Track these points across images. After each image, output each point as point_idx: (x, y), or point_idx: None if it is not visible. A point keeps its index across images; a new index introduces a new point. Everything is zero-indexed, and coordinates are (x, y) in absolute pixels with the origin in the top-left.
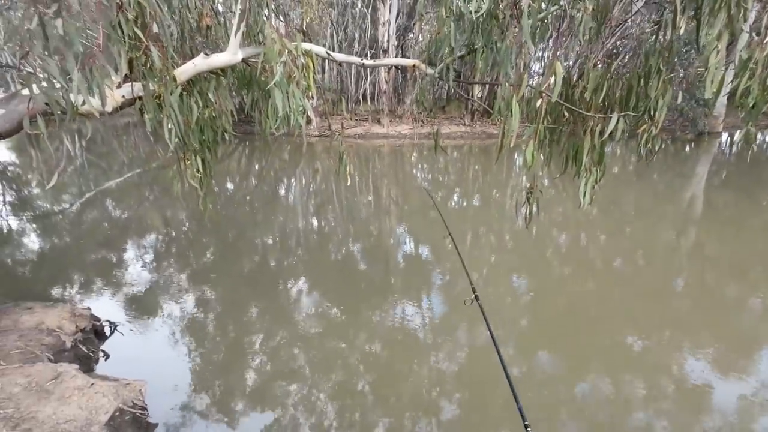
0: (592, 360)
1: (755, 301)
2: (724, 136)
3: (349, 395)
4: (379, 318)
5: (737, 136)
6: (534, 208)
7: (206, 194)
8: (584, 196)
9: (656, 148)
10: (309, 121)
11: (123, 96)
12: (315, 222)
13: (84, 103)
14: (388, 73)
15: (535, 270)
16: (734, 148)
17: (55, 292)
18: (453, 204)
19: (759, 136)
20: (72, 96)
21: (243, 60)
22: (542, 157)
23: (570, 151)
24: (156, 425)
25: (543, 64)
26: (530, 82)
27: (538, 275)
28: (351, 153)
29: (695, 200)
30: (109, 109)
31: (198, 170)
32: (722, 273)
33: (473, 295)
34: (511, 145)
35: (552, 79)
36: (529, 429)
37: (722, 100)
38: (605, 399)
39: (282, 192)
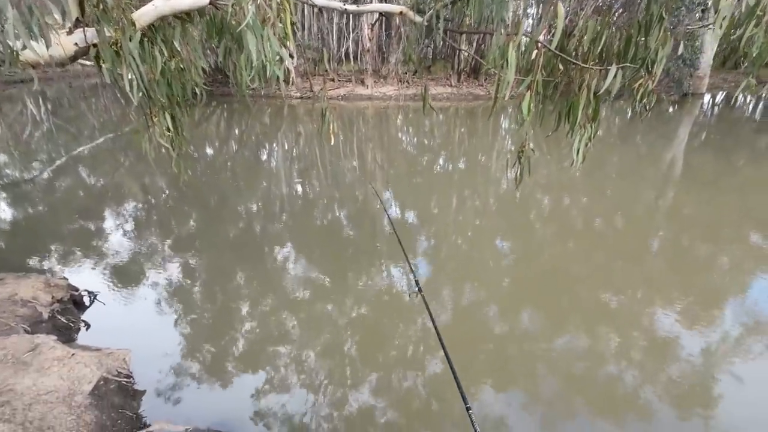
0: (571, 317)
1: (723, 259)
2: (707, 97)
3: (338, 356)
4: (366, 282)
5: (719, 97)
6: (525, 169)
7: (180, 155)
8: (578, 153)
9: (651, 104)
10: (289, 77)
11: (75, 44)
12: (299, 188)
13: (25, 47)
14: (372, 30)
15: (519, 232)
16: (715, 110)
17: (31, 263)
18: (438, 167)
19: (740, 97)
20: (9, 40)
21: (211, 3)
22: (536, 111)
23: (563, 107)
24: (144, 392)
25: (531, 21)
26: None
27: (522, 237)
28: (334, 115)
29: (675, 162)
30: (59, 56)
31: (168, 128)
32: (696, 233)
33: (417, 288)
34: (506, 98)
35: (551, 24)
36: (470, 411)
37: (708, 59)
38: (581, 353)
39: (264, 157)
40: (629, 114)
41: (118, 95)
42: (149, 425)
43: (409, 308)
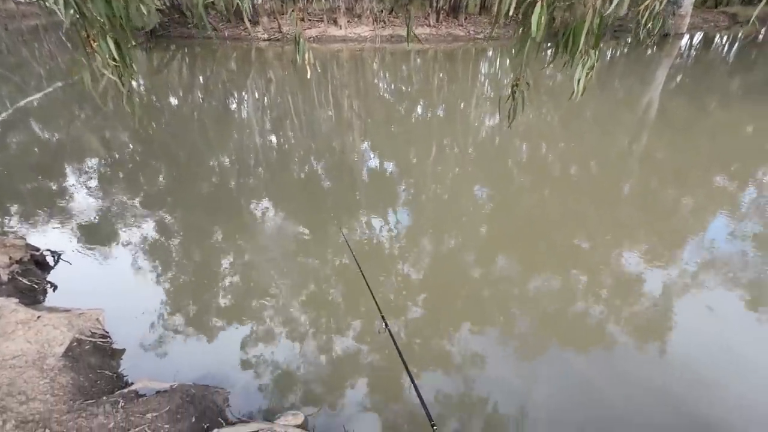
0: (545, 260)
1: (689, 201)
2: (686, 38)
3: (320, 307)
4: (347, 233)
5: (697, 38)
6: (519, 104)
7: (131, 93)
8: (578, 83)
9: (657, 27)
10: (253, 12)
11: None
12: (273, 139)
13: None
14: None
15: (497, 179)
16: (693, 52)
17: None
18: (417, 116)
19: (716, 39)
20: None
21: None
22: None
23: (561, 36)
24: (123, 351)
25: None
26: None
27: (500, 184)
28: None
29: (651, 106)
30: None
31: (112, 58)
32: (666, 177)
33: (383, 323)
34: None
35: None
36: (435, 428)
37: None
38: (554, 293)
39: (233, 106)
40: (608, 57)
41: (64, 39)
42: (131, 383)
43: (391, 258)
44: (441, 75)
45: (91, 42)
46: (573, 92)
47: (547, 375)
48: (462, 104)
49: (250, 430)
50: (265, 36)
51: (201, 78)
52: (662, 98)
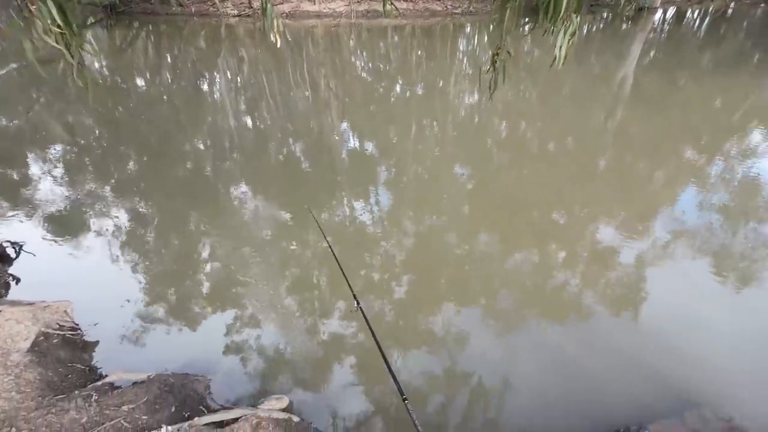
0: (523, 236)
1: (661, 175)
2: (659, 13)
3: (305, 289)
4: (327, 215)
5: (669, 12)
6: (500, 75)
7: (82, 65)
8: (560, 49)
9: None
10: None
11: None
12: (248, 121)
13: None
14: None
15: (477, 158)
16: (665, 26)
17: None
18: (396, 95)
19: (688, 13)
20: None
21: None
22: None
23: (542, 1)
24: (96, 343)
25: None
26: None
27: (479, 162)
28: (281, 34)
29: (626, 81)
30: None
31: (56, 23)
32: (639, 151)
33: (355, 302)
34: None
35: None
36: (406, 401)
37: None
38: (532, 267)
39: (205, 87)
40: (585, 32)
41: (14, 16)
42: (106, 376)
43: (372, 238)
44: (419, 52)
45: (30, 4)
46: (554, 60)
47: (526, 347)
48: (441, 82)
49: (233, 416)
50: (235, 12)
51: (168, 57)
52: (636, 73)
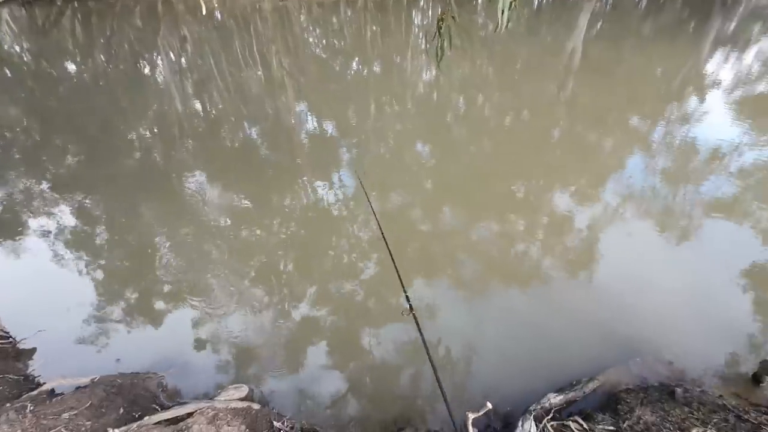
0: (486, 209)
1: (609, 142)
2: None
3: (273, 275)
4: (290, 200)
5: None
6: (446, 41)
7: None
8: (503, 13)
9: None
10: None
11: None
12: (198, 105)
13: None
14: None
15: (436, 133)
16: None
17: None
18: (352, 72)
19: None
20: None
21: None
22: None
23: None
24: (33, 350)
25: None
26: None
27: (439, 138)
28: (224, 14)
29: (575, 52)
30: None
31: None
32: (589, 121)
33: (408, 305)
34: None
35: None
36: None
37: None
38: (495, 238)
39: (146, 71)
40: (536, 3)
41: None
42: (43, 384)
43: (338, 219)
44: (374, 27)
45: None
46: (497, 25)
47: (487, 311)
48: (398, 58)
49: (188, 410)
50: None
51: (101, 39)
52: (585, 44)
